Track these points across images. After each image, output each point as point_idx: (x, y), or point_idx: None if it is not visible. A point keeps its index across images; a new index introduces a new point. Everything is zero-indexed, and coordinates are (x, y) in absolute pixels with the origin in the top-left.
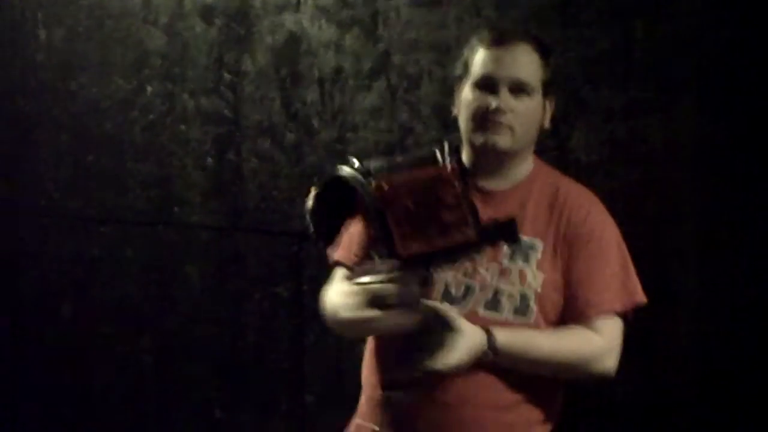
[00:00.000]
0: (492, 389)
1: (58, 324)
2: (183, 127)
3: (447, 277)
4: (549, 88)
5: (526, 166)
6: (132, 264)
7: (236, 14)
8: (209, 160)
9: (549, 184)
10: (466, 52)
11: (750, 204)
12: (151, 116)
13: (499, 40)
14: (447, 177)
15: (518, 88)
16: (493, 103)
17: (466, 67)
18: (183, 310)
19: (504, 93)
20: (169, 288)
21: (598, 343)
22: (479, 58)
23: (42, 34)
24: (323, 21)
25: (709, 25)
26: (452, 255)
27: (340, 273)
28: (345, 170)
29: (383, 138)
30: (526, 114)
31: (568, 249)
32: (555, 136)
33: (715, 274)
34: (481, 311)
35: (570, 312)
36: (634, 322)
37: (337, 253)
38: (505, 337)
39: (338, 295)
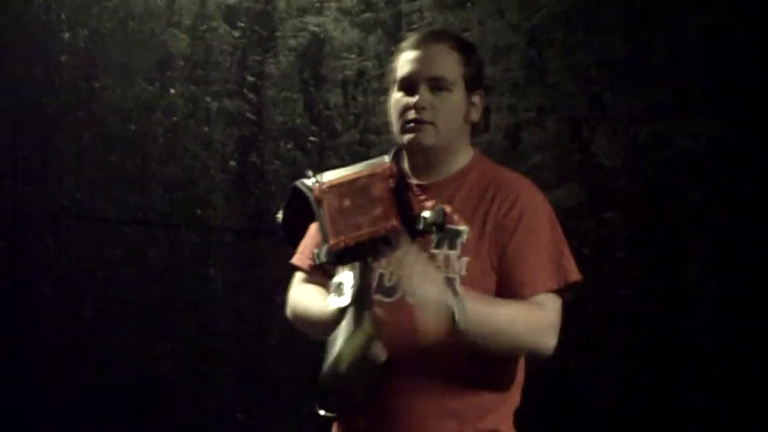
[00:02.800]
0: (431, 384)
1: (80, 325)
2: (206, 129)
3: (381, 267)
4: (473, 83)
5: (461, 158)
6: (154, 266)
7: (259, 16)
8: (232, 162)
9: (484, 175)
10: (393, 58)
11: None
12: (174, 118)
13: (416, 43)
14: (381, 175)
15: (436, 85)
16: (412, 100)
17: (393, 72)
18: (205, 312)
19: (423, 90)
20: (192, 290)
21: (546, 316)
22: (400, 62)
23: (66, 35)
24: (346, 23)
25: (729, 30)
26: (383, 246)
27: (298, 276)
28: (301, 181)
29: None
30: (447, 109)
31: (499, 234)
32: (577, 139)
33: (734, 279)
34: (410, 299)
35: (506, 293)
36: (654, 325)
37: (294, 257)
38: (472, 304)
39: (305, 295)
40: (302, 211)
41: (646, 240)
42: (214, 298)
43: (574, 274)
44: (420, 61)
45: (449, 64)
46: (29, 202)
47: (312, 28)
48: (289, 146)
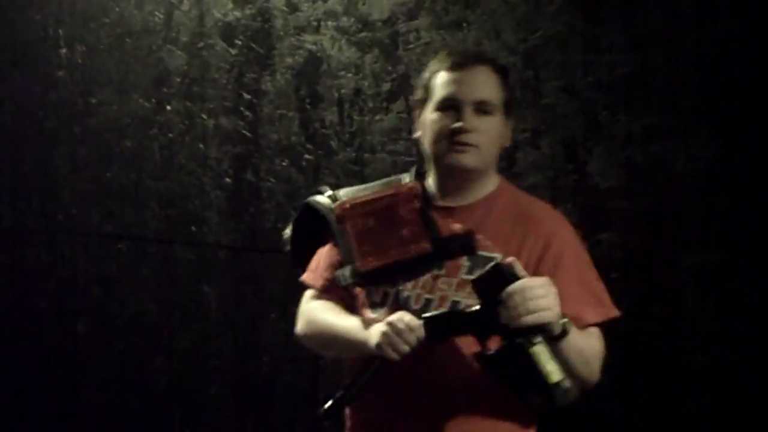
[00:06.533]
0: (459, 400)
1: (74, 340)
2: (201, 146)
3: (407, 290)
4: (509, 107)
5: (490, 183)
6: (148, 282)
7: (257, 34)
8: (227, 179)
9: (513, 201)
10: (426, 75)
11: (765, 230)
12: (170, 134)
13: (459, 63)
14: (406, 195)
15: (481, 108)
16: (458, 123)
17: (428, 90)
18: (199, 329)
19: (468, 113)
20: (185, 307)
21: (599, 345)
22: (441, 81)
23: (63, 51)
24: (343, 42)
25: (727, 51)
26: (411, 269)
27: (308, 293)
28: (315, 197)
29: (401, 159)
30: (489, 132)
31: (539, 267)
32: (573, 160)
33: (731, 300)
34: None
35: None
36: (647, 347)
37: (306, 274)
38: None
39: (325, 312)
40: (310, 227)
41: (642, 261)
42: (208, 315)
43: (615, 311)
44: (465, 83)
45: (493, 88)
46: (25, 217)
47: (309, 46)
48: (284, 164)
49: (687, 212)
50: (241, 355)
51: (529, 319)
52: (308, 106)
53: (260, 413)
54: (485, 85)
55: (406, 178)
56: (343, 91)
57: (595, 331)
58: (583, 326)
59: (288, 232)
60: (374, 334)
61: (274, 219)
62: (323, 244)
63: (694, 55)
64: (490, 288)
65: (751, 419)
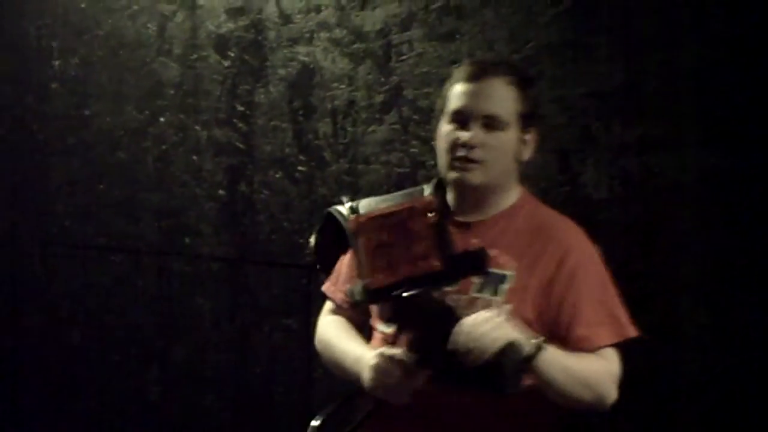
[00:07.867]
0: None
1: (68, 352)
2: (195, 157)
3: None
4: (528, 120)
5: (508, 197)
6: (142, 294)
7: (250, 46)
8: (221, 191)
9: (531, 217)
10: (447, 85)
11: (760, 240)
12: (164, 146)
13: (473, 75)
14: (420, 209)
15: (490, 123)
16: (463, 137)
17: (445, 101)
18: (192, 340)
19: (475, 127)
20: (179, 319)
21: (611, 368)
22: (455, 93)
23: (57, 62)
24: (336, 54)
25: (719, 61)
26: (421, 285)
27: (328, 305)
28: (336, 207)
29: (394, 171)
30: (498, 148)
31: (552, 287)
32: (566, 171)
33: (724, 310)
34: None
35: (565, 348)
36: (642, 357)
37: (324, 285)
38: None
39: (331, 331)
40: (335, 236)
41: (635, 271)
42: (202, 327)
43: (631, 330)
44: (475, 96)
45: (505, 102)
46: (19, 229)
47: (302, 58)
48: (278, 176)
49: (680, 223)
50: (235, 367)
51: (484, 356)
52: (301, 118)
53: (254, 425)
54: (497, 98)
55: (427, 190)
56: (336, 102)
57: (605, 352)
58: (595, 348)
59: (312, 241)
60: (366, 376)
61: (268, 231)
62: (347, 250)
63: (687, 64)
64: (412, 317)
65: (748, 430)
